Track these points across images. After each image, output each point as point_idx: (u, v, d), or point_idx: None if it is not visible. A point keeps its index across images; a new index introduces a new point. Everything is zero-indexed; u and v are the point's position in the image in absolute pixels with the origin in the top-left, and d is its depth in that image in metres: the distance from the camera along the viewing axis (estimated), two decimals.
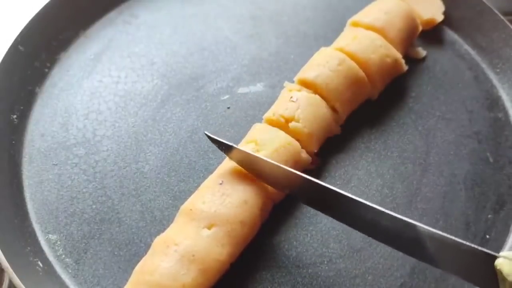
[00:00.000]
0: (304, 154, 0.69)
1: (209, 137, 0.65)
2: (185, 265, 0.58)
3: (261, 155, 0.65)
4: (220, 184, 0.63)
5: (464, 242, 0.52)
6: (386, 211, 0.55)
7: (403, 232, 0.55)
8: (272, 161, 0.62)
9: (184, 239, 0.59)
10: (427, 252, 0.54)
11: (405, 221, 0.54)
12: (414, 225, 0.54)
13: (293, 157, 0.67)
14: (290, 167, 0.64)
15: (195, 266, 0.58)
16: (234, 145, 0.64)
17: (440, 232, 0.53)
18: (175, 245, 0.59)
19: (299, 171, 0.69)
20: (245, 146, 0.67)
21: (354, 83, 0.73)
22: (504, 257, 0.51)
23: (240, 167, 0.64)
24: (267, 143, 0.67)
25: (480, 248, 0.51)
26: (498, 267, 0.51)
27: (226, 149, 0.65)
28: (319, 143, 0.71)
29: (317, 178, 0.71)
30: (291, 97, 0.71)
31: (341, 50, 0.75)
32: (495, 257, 0.51)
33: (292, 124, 0.69)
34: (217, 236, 0.60)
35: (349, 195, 0.57)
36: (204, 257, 0.58)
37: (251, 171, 0.64)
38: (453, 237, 0.52)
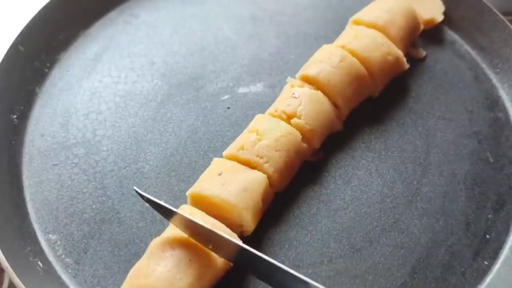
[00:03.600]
0: (305, 144, 0.69)
1: (142, 196, 0.58)
2: (182, 270, 0.57)
3: (263, 144, 0.66)
4: (219, 174, 0.64)
5: None
6: None
7: None
8: (218, 231, 0.57)
9: (181, 244, 0.58)
10: None
11: None
12: None
13: (294, 146, 0.68)
14: (292, 156, 0.64)
15: (191, 271, 0.57)
16: (174, 210, 0.58)
17: None
18: (171, 249, 0.58)
19: (300, 161, 0.70)
20: (247, 135, 0.68)
21: (356, 80, 0.74)
22: None
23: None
24: (268, 133, 0.67)
25: None
26: None
27: (165, 213, 0.59)
28: (321, 140, 0.71)
29: (317, 177, 0.71)
30: (293, 94, 0.71)
31: (343, 48, 0.75)
32: None
33: (294, 121, 0.69)
34: None
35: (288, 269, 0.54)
36: (201, 263, 0.58)
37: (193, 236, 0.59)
38: None
